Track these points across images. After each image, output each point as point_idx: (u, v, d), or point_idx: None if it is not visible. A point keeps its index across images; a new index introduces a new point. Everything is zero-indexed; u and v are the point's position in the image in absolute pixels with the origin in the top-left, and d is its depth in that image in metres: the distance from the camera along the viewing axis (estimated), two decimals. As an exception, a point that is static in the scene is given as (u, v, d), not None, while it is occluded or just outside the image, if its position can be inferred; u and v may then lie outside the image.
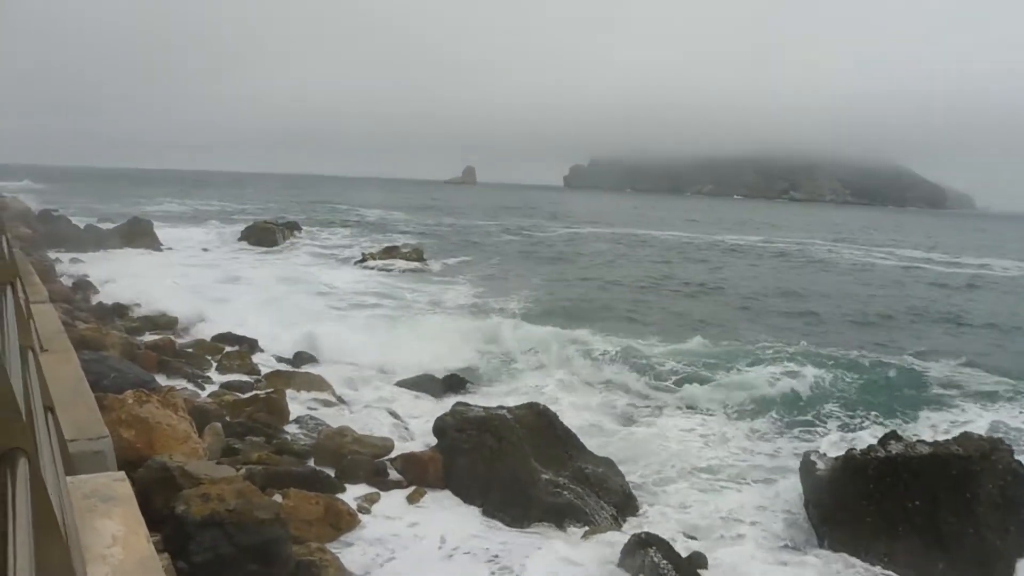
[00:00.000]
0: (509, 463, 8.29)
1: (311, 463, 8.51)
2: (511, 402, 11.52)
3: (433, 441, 9.23)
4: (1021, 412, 12.50)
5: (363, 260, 30.32)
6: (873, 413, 12.26)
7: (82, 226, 30.79)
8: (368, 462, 8.35)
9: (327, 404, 11.50)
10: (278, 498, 6.85)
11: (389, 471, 8.40)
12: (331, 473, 8.06)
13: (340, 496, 7.48)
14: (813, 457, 8.71)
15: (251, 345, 14.48)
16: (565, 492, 8.37)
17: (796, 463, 9.14)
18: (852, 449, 8.61)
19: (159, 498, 6.22)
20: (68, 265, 21.25)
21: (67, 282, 18.31)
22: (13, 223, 27.20)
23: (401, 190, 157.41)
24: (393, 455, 8.70)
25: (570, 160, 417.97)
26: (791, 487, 8.82)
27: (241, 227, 38.24)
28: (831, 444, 10.23)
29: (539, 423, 9.35)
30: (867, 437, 10.27)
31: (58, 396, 3.26)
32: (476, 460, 8.29)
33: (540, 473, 8.49)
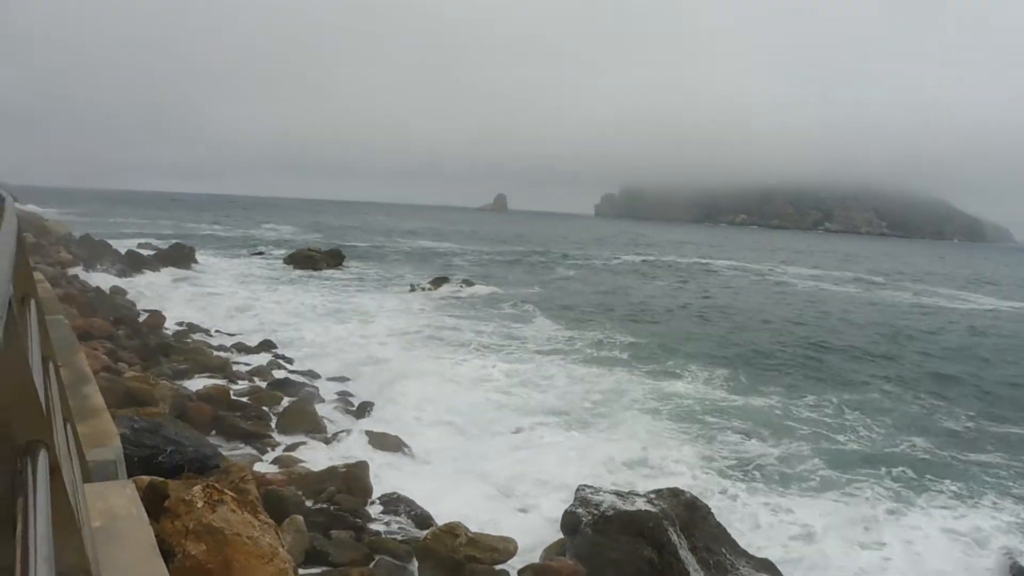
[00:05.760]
0: (671, 579, 6.45)
1: (414, 570, 6.73)
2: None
3: (552, 524, 7.61)
4: None
5: (412, 290, 28.83)
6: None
7: (122, 251, 29.53)
8: (489, 573, 6.53)
9: (403, 470, 9.84)
10: (394, 642, 5.06)
11: (518, 587, 6.56)
12: (446, 591, 6.26)
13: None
14: None
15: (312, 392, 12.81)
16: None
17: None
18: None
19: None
20: (110, 295, 19.77)
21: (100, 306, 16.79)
22: (54, 248, 26.05)
23: (434, 217, 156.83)
24: (518, 562, 6.85)
25: (600, 188, 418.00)
26: None
27: (281, 255, 36.94)
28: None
29: (690, 518, 7.50)
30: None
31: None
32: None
33: (706, 591, 6.64)
